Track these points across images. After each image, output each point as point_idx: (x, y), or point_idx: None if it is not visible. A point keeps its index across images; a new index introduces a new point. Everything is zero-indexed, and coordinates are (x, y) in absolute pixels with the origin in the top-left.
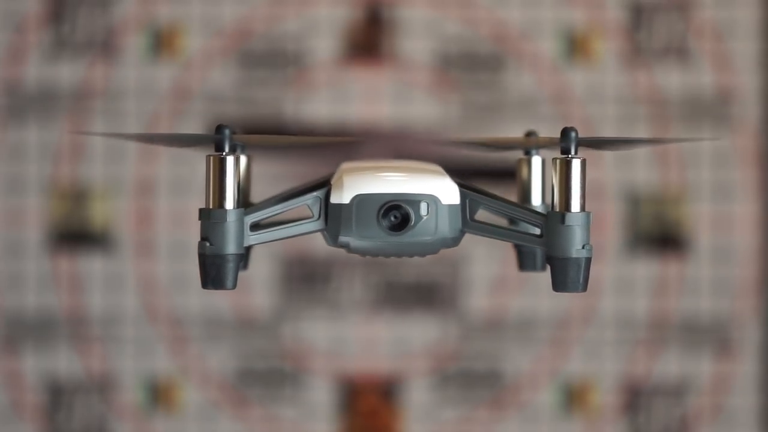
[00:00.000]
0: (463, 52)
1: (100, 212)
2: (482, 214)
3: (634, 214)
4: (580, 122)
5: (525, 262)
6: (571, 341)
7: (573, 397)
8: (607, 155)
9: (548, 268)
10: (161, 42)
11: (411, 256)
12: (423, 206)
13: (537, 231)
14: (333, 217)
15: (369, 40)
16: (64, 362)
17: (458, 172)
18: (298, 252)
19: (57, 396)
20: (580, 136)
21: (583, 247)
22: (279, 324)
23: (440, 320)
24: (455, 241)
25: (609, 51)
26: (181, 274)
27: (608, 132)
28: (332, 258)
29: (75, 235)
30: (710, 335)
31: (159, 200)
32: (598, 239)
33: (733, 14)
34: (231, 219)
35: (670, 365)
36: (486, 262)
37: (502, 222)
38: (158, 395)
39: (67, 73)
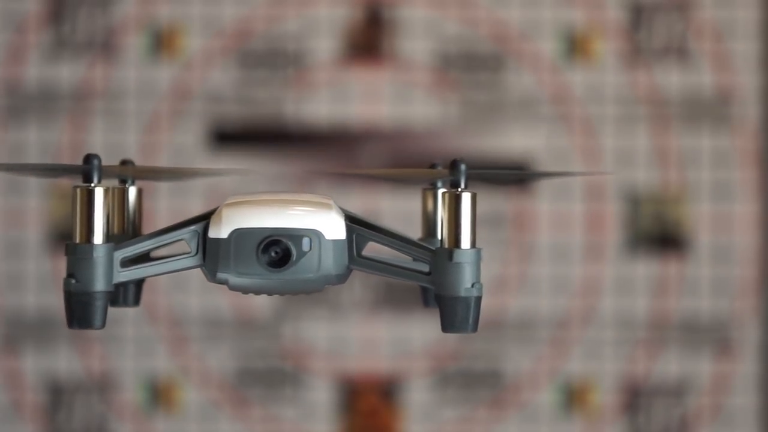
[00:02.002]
0: (463, 52)
1: None
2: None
3: (634, 214)
4: (580, 122)
5: (428, 298)
6: (571, 341)
7: (573, 397)
8: (608, 153)
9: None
10: (161, 42)
11: (294, 293)
12: (305, 241)
13: (425, 268)
14: (211, 253)
15: (369, 40)
16: (64, 362)
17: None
18: None
19: (57, 396)
20: (469, 169)
21: (472, 286)
22: (279, 324)
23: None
24: (341, 279)
25: (609, 51)
26: (181, 274)
27: (608, 131)
28: None
29: None
30: (710, 335)
31: (159, 200)
32: (598, 239)
33: (733, 14)
34: (99, 254)
35: (670, 365)
36: (486, 262)
37: (397, 257)
38: (158, 395)
39: (67, 73)
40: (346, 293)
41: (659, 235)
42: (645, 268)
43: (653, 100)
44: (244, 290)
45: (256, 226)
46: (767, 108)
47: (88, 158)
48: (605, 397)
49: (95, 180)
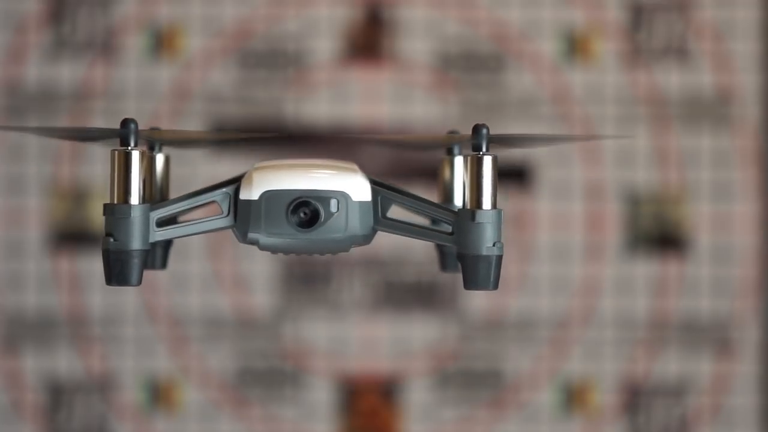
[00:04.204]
0: (463, 52)
1: (100, 212)
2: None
3: (634, 214)
4: (580, 122)
5: (447, 262)
6: (571, 341)
7: (573, 397)
8: (607, 155)
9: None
10: (161, 42)
11: (322, 253)
12: (333, 203)
13: (449, 229)
14: (242, 214)
15: (369, 40)
16: (64, 362)
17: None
18: None
19: (57, 396)
20: (492, 133)
21: (493, 245)
22: (279, 324)
23: (440, 320)
24: (366, 239)
25: (609, 51)
26: (181, 274)
27: (608, 131)
28: (332, 258)
29: (75, 235)
30: (710, 335)
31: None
32: (598, 239)
33: (733, 14)
34: (135, 214)
35: (670, 365)
36: None
37: (418, 220)
38: (158, 395)
39: (67, 73)
40: (346, 293)
41: (659, 235)
42: (645, 268)
43: (653, 100)
44: (274, 250)
45: (285, 188)
46: (767, 108)
47: (126, 122)
48: (605, 397)
49: (132, 143)
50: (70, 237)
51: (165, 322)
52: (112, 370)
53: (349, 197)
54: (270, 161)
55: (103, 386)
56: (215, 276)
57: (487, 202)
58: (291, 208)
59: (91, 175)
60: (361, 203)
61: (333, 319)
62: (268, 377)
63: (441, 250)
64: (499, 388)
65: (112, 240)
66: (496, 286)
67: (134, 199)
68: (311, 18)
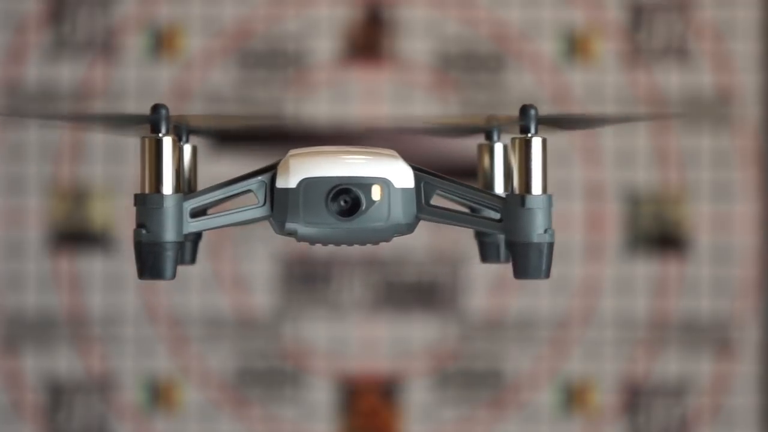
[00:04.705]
0: (463, 52)
1: (100, 212)
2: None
3: (634, 214)
4: None
5: (487, 253)
6: (571, 341)
7: (573, 397)
8: (607, 154)
9: (510, 256)
10: (161, 42)
11: (363, 243)
12: (375, 190)
13: (496, 216)
14: (279, 203)
15: (369, 40)
16: (64, 362)
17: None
18: (298, 252)
19: (57, 396)
20: (540, 114)
21: (545, 232)
22: (279, 324)
23: (440, 320)
24: (410, 228)
25: (609, 51)
26: (181, 274)
27: (608, 131)
28: (332, 258)
29: (75, 235)
30: (710, 335)
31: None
32: (598, 239)
33: (733, 14)
34: (169, 204)
35: (670, 365)
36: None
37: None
38: (158, 395)
39: (67, 73)
40: (346, 293)
41: (659, 235)
42: (645, 268)
43: (653, 100)
44: (312, 240)
45: (325, 175)
46: (767, 108)
47: (156, 108)
48: (605, 397)
49: (163, 130)
50: (69, 237)
51: (165, 322)
52: (112, 370)
53: (392, 184)
54: (306, 148)
55: (103, 386)
56: (215, 276)
57: (537, 187)
58: (331, 196)
59: (91, 175)
60: (404, 190)
61: (333, 319)
62: (268, 377)
63: (481, 240)
64: (499, 388)
65: (144, 231)
66: (548, 275)
67: (167, 188)
68: (311, 18)
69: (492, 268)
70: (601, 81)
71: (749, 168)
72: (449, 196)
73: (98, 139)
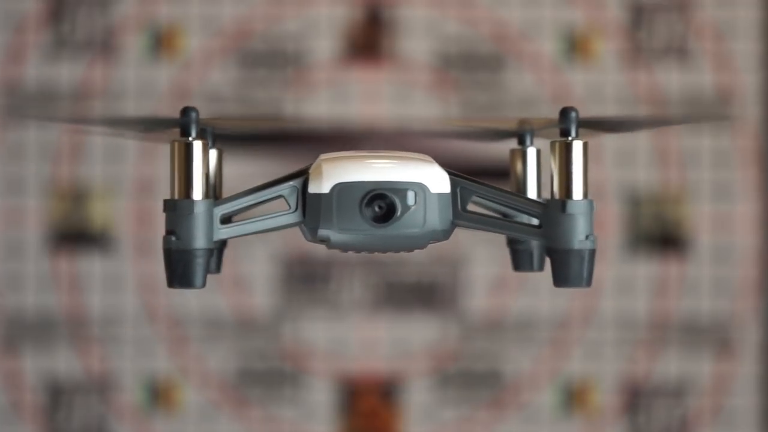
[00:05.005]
0: (463, 52)
1: (100, 212)
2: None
3: (634, 214)
4: None
5: (521, 261)
6: (571, 341)
7: (573, 397)
8: (608, 154)
9: (547, 264)
10: (161, 42)
11: (397, 251)
12: (410, 195)
13: (535, 222)
14: (311, 209)
15: (369, 40)
16: (63, 362)
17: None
18: (298, 252)
19: (57, 396)
20: (581, 117)
21: (586, 238)
22: (279, 324)
23: (440, 320)
24: (446, 234)
25: (609, 51)
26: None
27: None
28: (332, 258)
29: (75, 235)
30: (710, 335)
31: (159, 200)
32: (599, 239)
33: (733, 14)
34: (199, 210)
35: (670, 365)
36: (486, 263)
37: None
38: (158, 395)
39: (67, 73)
40: (345, 293)
41: (659, 236)
42: (645, 269)
43: (653, 100)
44: (346, 248)
45: (359, 180)
46: (767, 108)
47: (186, 110)
48: (605, 397)
49: (193, 133)
50: (69, 237)
51: (164, 323)
52: (112, 371)
53: (428, 189)
54: (337, 153)
55: (102, 387)
56: (215, 276)
57: (578, 192)
58: (365, 201)
59: (91, 175)
60: (440, 195)
61: (333, 319)
62: (268, 378)
63: (514, 248)
64: (500, 388)
65: (173, 238)
66: (589, 283)
67: (197, 194)
68: (311, 18)
69: (492, 268)
70: (601, 81)
71: (749, 168)
72: (486, 202)
73: (98, 139)
